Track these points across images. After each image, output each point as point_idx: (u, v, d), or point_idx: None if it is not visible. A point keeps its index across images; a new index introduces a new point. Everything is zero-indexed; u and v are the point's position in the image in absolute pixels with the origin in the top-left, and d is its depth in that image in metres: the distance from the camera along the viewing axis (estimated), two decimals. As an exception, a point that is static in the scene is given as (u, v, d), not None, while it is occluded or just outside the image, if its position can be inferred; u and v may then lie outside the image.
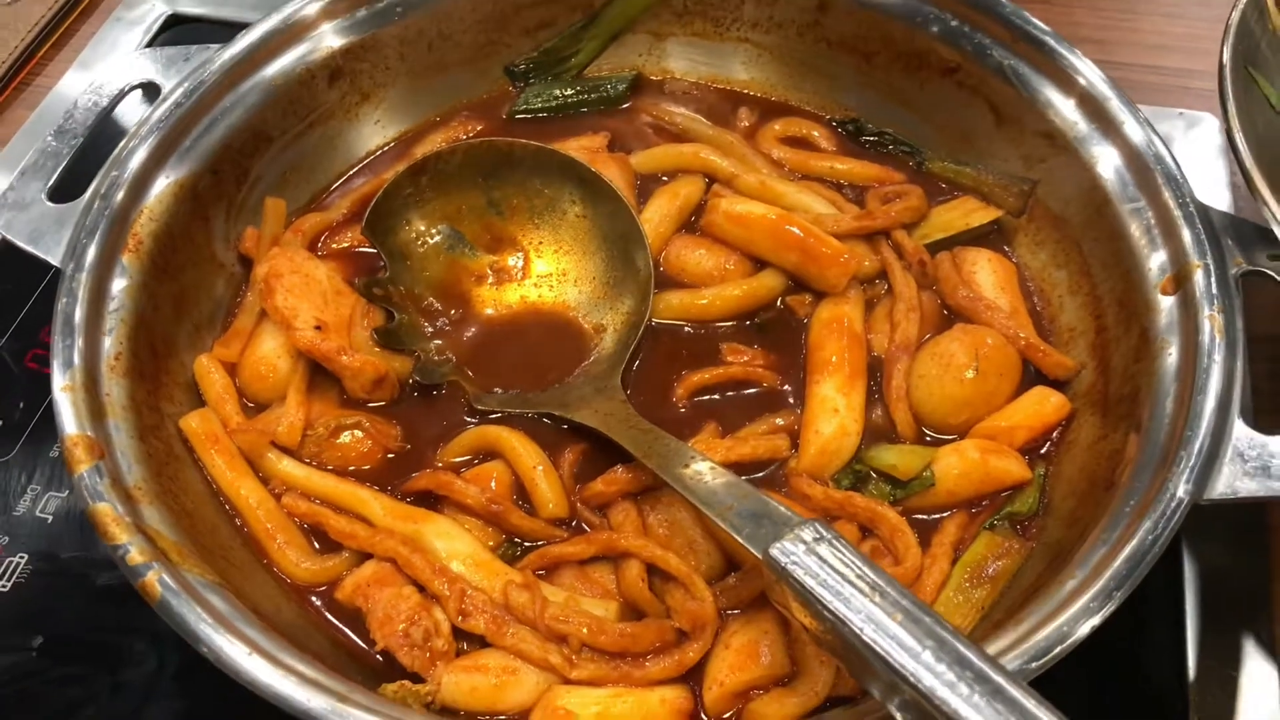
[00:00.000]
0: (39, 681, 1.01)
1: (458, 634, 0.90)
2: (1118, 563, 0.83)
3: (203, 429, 1.00)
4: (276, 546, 0.97)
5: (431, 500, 0.99)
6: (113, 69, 1.16)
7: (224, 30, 1.45)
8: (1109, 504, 0.90)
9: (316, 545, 0.98)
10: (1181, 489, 0.86)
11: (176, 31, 1.53)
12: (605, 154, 1.20)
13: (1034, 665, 0.78)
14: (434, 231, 1.14)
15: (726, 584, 0.92)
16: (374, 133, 1.25)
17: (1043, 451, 1.03)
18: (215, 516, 0.97)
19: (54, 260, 1.01)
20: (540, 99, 1.28)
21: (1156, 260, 1.01)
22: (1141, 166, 1.04)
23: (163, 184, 1.06)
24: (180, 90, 1.09)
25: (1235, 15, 1.02)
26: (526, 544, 0.97)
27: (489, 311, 1.13)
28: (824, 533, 0.78)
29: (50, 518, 1.10)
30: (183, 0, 1.55)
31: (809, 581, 0.75)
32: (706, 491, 0.87)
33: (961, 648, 0.70)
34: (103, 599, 1.05)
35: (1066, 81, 1.10)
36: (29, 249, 1.02)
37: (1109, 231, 1.06)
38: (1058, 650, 0.79)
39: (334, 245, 1.16)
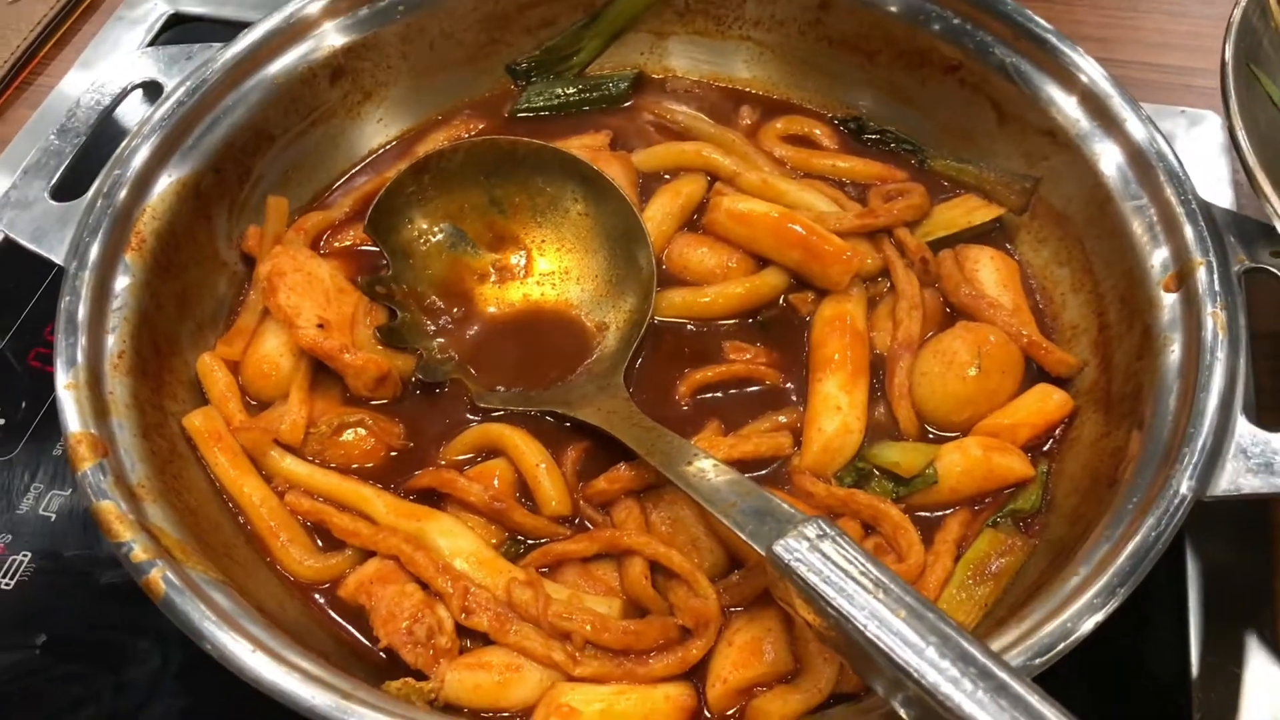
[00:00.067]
0: (42, 680, 1.01)
1: (461, 631, 0.90)
2: (1121, 559, 0.83)
3: (206, 427, 1.00)
4: (280, 544, 0.97)
5: (434, 498, 0.99)
6: (115, 68, 1.16)
7: (225, 29, 1.45)
8: (1112, 501, 0.90)
9: (319, 543, 0.98)
10: (1185, 486, 0.86)
11: (178, 31, 1.53)
12: (607, 152, 1.20)
13: (1037, 662, 0.78)
14: (436, 230, 1.14)
15: (729, 581, 0.93)
16: (376, 131, 1.25)
17: (1045, 449, 1.03)
18: (218, 514, 0.97)
19: (57, 259, 1.01)
20: (542, 97, 1.28)
21: (1159, 257, 1.01)
22: (1144, 164, 1.04)
23: (165, 182, 1.06)
24: (183, 89, 1.09)
25: (1237, 13, 1.02)
26: (529, 541, 0.97)
27: (491, 310, 1.13)
28: (827, 529, 0.78)
29: (53, 516, 1.10)
30: (184, -1, 1.55)
31: (812, 578, 0.75)
32: (709, 489, 0.87)
33: (965, 644, 0.70)
34: (105, 597, 1.05)
35: (1068, 79, 1.10)
36: (32, 247, 1.02)
37: (1111, 229, 1.06)
38: (1061, 647, 0.79)
39: (336, 244, 1.16)
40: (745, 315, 1.11)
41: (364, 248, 1.15)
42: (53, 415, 0.93)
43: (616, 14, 1.29)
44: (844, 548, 0.77)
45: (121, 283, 1.00)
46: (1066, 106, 1.11)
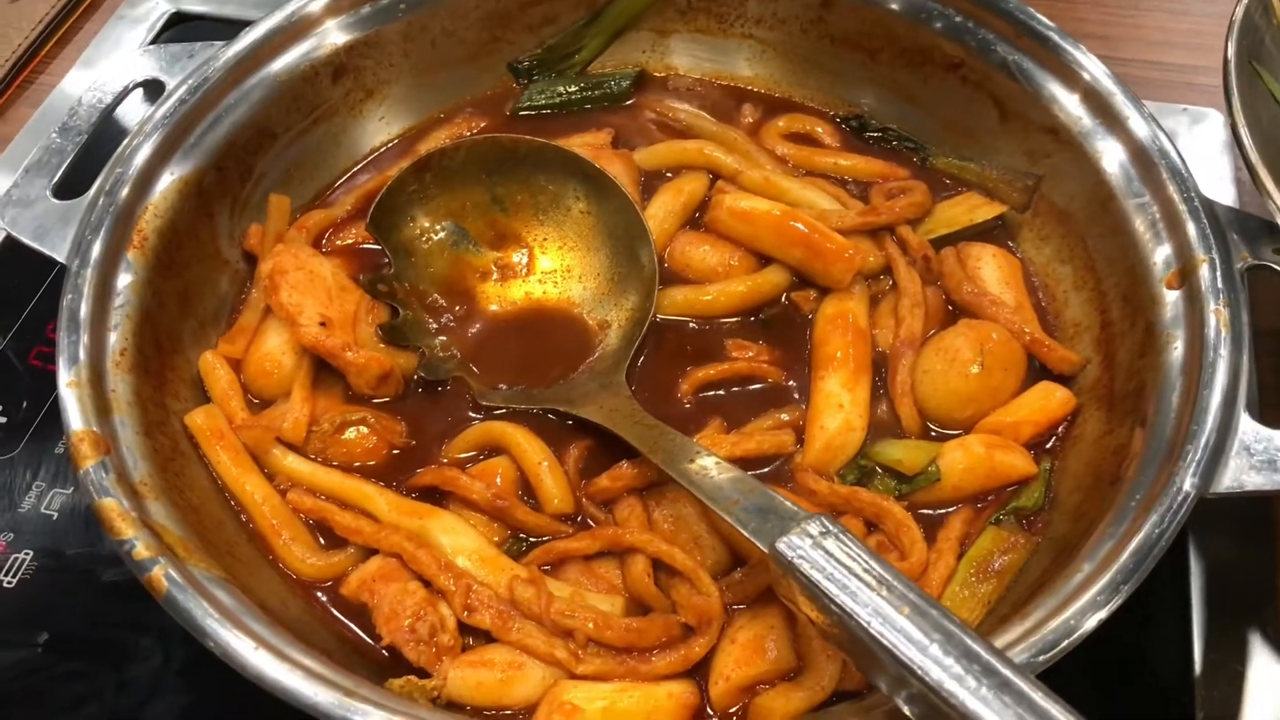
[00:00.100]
0: (44, 678, 1.01)
1: (463, 629, 0.90)
2: (1124, 557, 0.83)
3: (208, 425, 1.00)
4: (282, 542, 0.97)
5: (437, 496, 0.99)
6: (116, 67, 1.16)
7: (226, 28, 1.45)
8: (1115, 498, 0.90)
9: (322, 541, 0.98)
10: (1188, 483, 0.86)
11: (179, 29, 1.53)
12: (609, 150, 1.20)
13: (1041, 659, 0.78)
14: (438, 228, 1.14)
15: (732, 579, 0.93)
16: (378, 129, 1.25)
17: (1048, 446, 1.03)
18: (221, 512, 0.97)
19: (59, 257, 1.01)
20: (544, 95, 1.28)
21: (1161, 255, 1.01)
22: (1146, 161, 1.04)
23: (167, 180, 1.06)
24: (185, 87, 1.09)
25: (1239, 10, 1.02)
26: (532, 539, 0.97)
27: (493, 308, 1.13)
28: (830, 527, 0.78)
29: (55, 514, 1.10)
30: (185, -2, 1.55)
31: (815, 575, 0.75)
32: (712, 486, 0.87)
33: (969, 641, 0.70)
34: (108, 595, 1.05)
35: (1071, 76, 1.10)
36: (34, 245, 1.02)
37: (1114, 226, 1.06)
38: (1065, 644, 0.79)
39: (338, 242, 1.16)
40: (747, 313, 1.11)
41: (366, 246, 1.15)
42: (54, 414, 0.92)
43: (618, 12, 1.29)
44: (847, 545, 0.77)
45: (124, 280, 1.00)
46: (1069, 104, 1.11)
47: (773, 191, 1.15)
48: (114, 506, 0.86)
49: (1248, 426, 0.89)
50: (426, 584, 0.91)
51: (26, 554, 1.08)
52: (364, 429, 1.02)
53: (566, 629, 0.88)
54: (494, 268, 1.14)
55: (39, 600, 1.05)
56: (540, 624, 0.89)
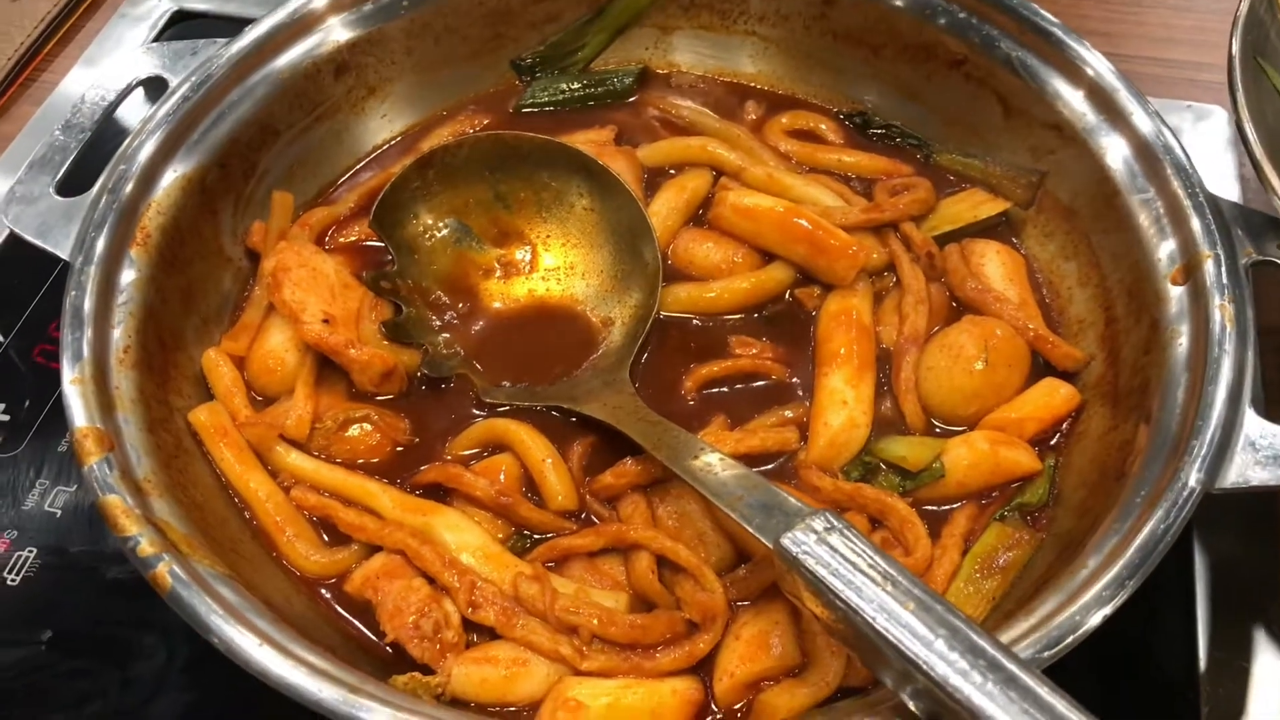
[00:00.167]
0: (48, 675, 1.01)
1: (468, 626, 0.90)
2: (1129, 552, 0.83)
3: (211, 422, 1.00)
4: (286, 539, 0.96)
5: (440, 493, 0.99)
6: (119, 64, 1.16)
7: (228, 25, 1.45)
8: (1120, 494, 0.90)
9: (325, 538, 0.98)
10: (1193, 478, 0.86)
11: (181, 27, 1.52)
12: (612, 147, 1.20)
13: (1046, 655, 0.78)
14: (441, 225, 1.14)
15: (736, 575, 0.92)
16: (381, 127, 1.25)
17: (1052, 443, 1.03)
18: (225, 509, 0.97)
19: (62, 254, 1.01)
20: (547, 93, 1.28)
21: (1166, 250, 1.01)
22: (1150, 157, 1.04)
23: (170, 177, 1.06)
24: (188, 84, 1.09)
25: (1244, 6, 1.02)
26: (536, 536, 0.97)
27: (497, 305, 1.13)
28: (835, 523, 0.78)
29: (59, 512, 1.10)
30: (187, -4, 1.55)
31: (820, 571, 0.75)
32: (716, 483, 0.87)
33: (974, 636, 0.70)
34: (111, 593, 1.05)
35: (1075, 73, 1.10)
36: (38, 243, 1.02)
37: (1118, 222, 1.06)
38: (1070, 639, 0.79)
39: (341, 239, 1.16)
40: (751, 310, 1.11)
41: (369, 243, 1.15)
42: (57, 412, 0.93)
43: (621, 9, 1.29)
44: (852, 541, 0.77)
45: (127, 277, 1.00)
46: (1073, 100, 1.10)
47: (776, 188, 1.14)
48: (118, 503, 0.86)
49: (1253, 422, 0.89)
50: (430, 581, 0.91)
51: (30, 552, 1.08)
52: (367, 426, 1.02)
53: (571, 625, 0.88)
54: (497, 265, 1.14)
55: (42, 598, 1.05)
56: (544, 620, 0.88)
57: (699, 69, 1.32)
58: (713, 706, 0.88)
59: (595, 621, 0.87)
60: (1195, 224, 0.99)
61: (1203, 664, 0.97)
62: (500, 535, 0.96)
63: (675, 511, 0.96)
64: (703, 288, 1.11)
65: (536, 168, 1.14)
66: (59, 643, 1.02)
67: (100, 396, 0.92)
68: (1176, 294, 0.98)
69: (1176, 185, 1.01)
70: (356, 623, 0.94)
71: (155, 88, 1.14)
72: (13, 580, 1.06)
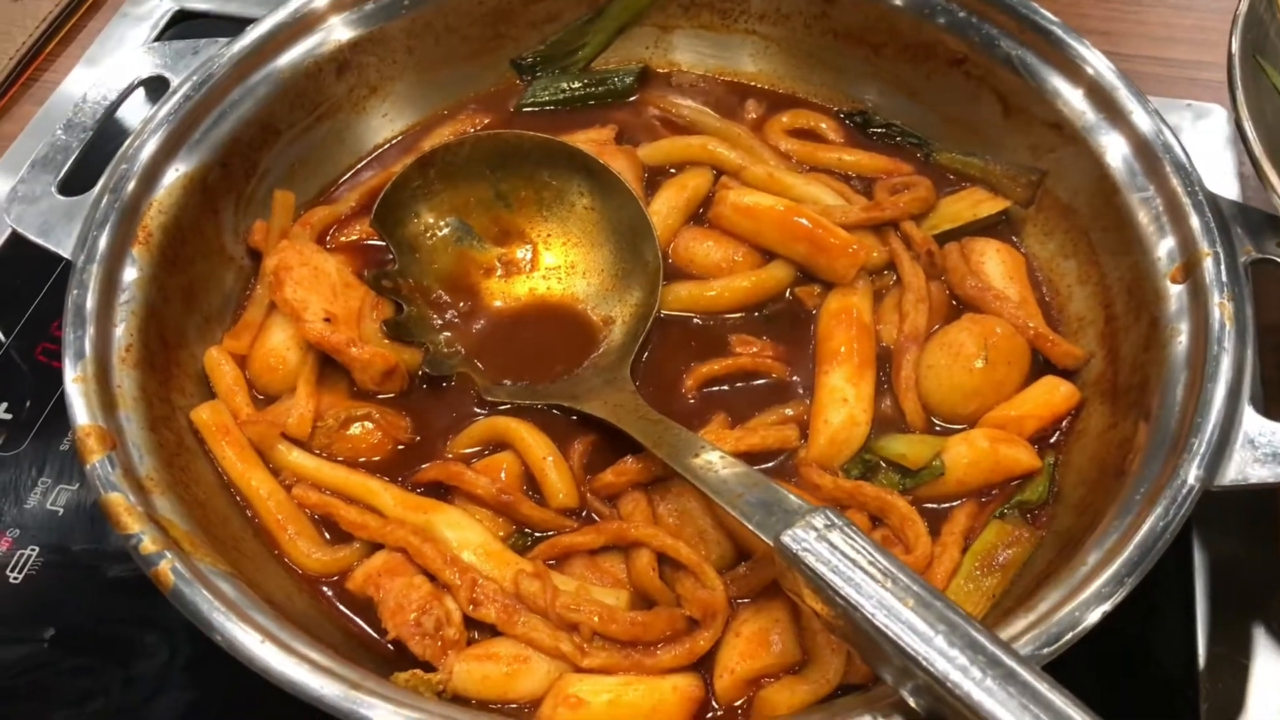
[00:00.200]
0: (50, 673, 1.01)
1: (469, 623, 0.90)
2: (1129, 549, 0.83)
3: (213, 420, 1.01)
4: (287, 537, 0.97)
5: (442, 491, 0.99)
6: (120, 64, 1.16)
7: (229, 25, 1.45)
8: (1119, 492, 0.90)
9: (327, 536, 0.98)
10: (1192, 476, 0.86)
11: (183, 27, 1.53)
12: (613, 146, 1.20)
13: (1045, 651, 0.78)
14: (442, 224, 1.14)
15: (737, 573, 0.93)
16: (382, 126, 1.25)
17: (1052, 440, 1.03)
18: (226, 507, 0.97)
19: (64, 253, 1.01)
20: (547, 92, 1.28)
21: (1165, 248, 1.01)
22: (1150, 155, 1.04)
23: (172, 176, 1.06)
24: (189, 83, 1.09)
25: (1244, 5, 1.02)
26: (537, 534, 0.97)
27: (497, 304, 1.13)
28: (835, 520, 0.78)
29: (61, 511, 1.10)
30: (189, -5, 1.55)
31: (821, 568, 0.75)
32: (717, 480, 0.87)
33: (974, 633, 0.70)
34: (113, 591, 1.05)
35: (1074, 71, 1.10)
36: (40, 241, 1.02)
37: (1118, 220, 1.06)
38: (1069, 636, 0.79)
39: (342, 238, 1.17)
40: (751, 308, 1.11)
41: (370, 242, 1.16)
42: (59, 411, 0.93)
43: (621, 8, 1.29)
44: (852, 538, 0.77)
45: (129, 276, 1.00)
46: (1073, 99, 1.11)
47: (776, 187, 1.15)
48: (120, 501, 0.86)
49: (1252, 420, 0.89)
50: (432, 578, 0.91)
51: (32, 550, 1.08)
52: (369, 424, 1.02)
53: (571, 623, 0.88)
54: (498, 263, 1.15)
55: (45, 596, 1.05)
56: (545, 618, 0.89)
57: (699, 68, 1.32)
58: (713, 703, 0.89)
59: (596, 619, 0.88)
60: (1195, 222, 0.99)
61: (1202, 661, 0.97)
62: (501, 533, 0.96)
63: (676, 509, 0.96)
64: (703, 286, 1.11)
65: (537, 167, 1.14)
66: (61, 640, 1.02)
67: (102, 395, 0.92)
68: (1176, 292, 0.99)
69: (1176, 183, 1.01)
70: (358, 620, 0.94)
71: (157, 87, 1.15)
72: (15, 578, 1.06)
